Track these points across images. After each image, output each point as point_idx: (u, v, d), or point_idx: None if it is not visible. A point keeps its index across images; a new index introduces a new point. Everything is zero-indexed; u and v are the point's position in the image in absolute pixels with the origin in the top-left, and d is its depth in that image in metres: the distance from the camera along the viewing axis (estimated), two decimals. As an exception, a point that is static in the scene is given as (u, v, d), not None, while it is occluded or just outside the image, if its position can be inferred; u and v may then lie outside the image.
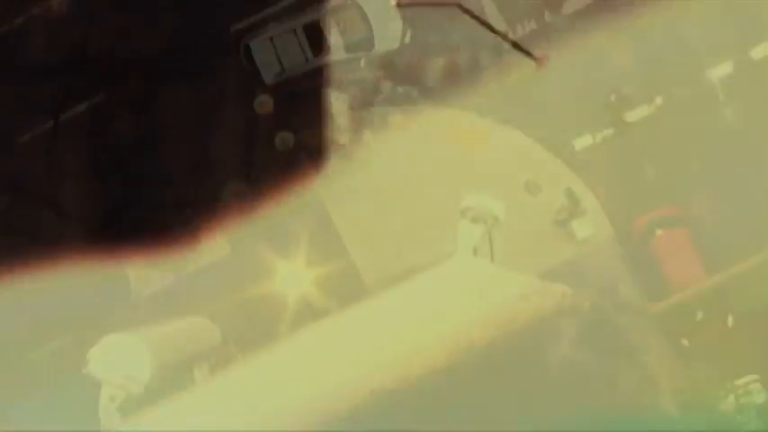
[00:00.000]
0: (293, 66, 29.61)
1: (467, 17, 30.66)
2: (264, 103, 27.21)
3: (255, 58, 29.77)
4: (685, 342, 29.79)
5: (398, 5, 30.51)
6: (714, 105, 30.51)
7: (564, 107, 30.47)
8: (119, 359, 23.10)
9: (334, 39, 29.85)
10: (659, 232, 29.37)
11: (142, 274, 30.58)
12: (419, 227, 30.30)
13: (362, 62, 30.30)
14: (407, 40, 30.45)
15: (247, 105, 27.66)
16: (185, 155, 29.10)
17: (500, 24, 30.86)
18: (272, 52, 29.57)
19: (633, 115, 30.45)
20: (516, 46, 28.38)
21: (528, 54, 28.45)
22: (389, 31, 30.28)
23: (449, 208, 28.47)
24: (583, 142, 30.58)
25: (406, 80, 30.84)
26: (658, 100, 30.54)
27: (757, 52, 30.61)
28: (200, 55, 30.67)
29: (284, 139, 27.56)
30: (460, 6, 24.29)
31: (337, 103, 29.31)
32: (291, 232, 30.17)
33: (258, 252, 30.30)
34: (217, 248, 30.70)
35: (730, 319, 29.70)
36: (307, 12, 30.07)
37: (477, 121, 30.66)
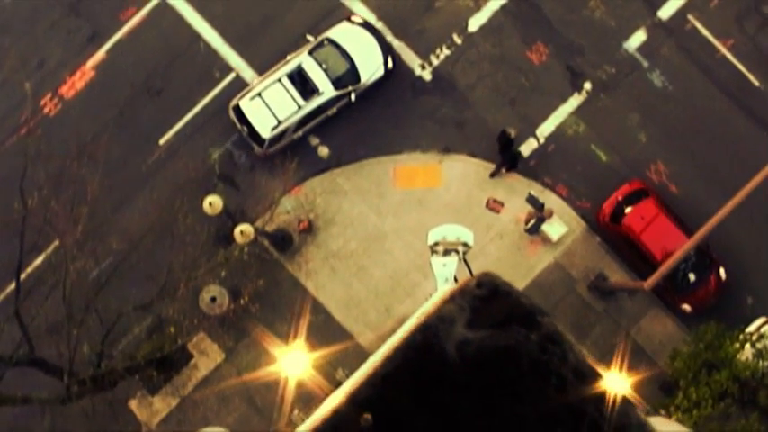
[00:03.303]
0: (287, 115, 29.74)
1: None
2: (214, 204, 27.11)
3: (248, 116, 29.78)
4: (687, 307, 29.76)
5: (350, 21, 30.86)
6: (641, 74, 30.88)
7: (498, 120, 30.74)
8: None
9: (320, 79, 30.00)
10: (628, 209, 29.46)
11: (146, 406, 30.29)
12: (398, 277, 30.26)
13: (353, 96, 30.47)
14: (391, 65, 30.72)
15: (198, 209, 27.58)
16: (152, 276, 28.95)
17: (416, 61, 31.24)
18: (264, 107, 29.69)
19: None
20: None
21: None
22: (372, 60, 30.50)
23: (419, 250, 28.49)
24: (528, 147, 30.76)
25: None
26: (587, 85, 30.87)
27: (665, 12, 31.11)
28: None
29: (243, 231, 27.43)
30: None
31: (284, 178, 29.42)
32: (277, 319, 30.04)
33: (253, 348, 30.15)
34: (211, 358, 30.50)
35: (722, 272, 29.73)
36: (287, 61, 30.25)
37: (424, 158, 30.81)
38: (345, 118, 30.73)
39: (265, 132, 29.80)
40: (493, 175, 30.44)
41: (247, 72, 31.32)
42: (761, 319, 28.58)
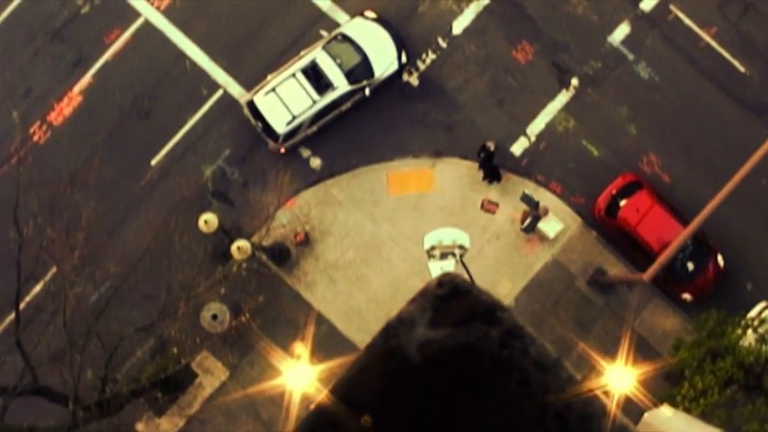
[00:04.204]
0: (302, 110, 29.70)
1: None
2: (209, 221, 27.16)
3: (262, 112, 29.72)
4: (687, 296, 29.76)
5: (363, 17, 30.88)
6: (627, 67, 30.94)
7: (488, 121, 30.79)
8: None
9: (335, 73, 29.97)
10: (623, 202, 29.49)
11: (153, 428, 30.26)
12: (397, 283, 30.25)
13: (367, 91, 30.45)
14: (405, 60, 30.76)
15: (193, 228, 27.62)
16: (152, 298, 28.96)
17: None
18: (278, 102, 29.65)
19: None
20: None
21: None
22: (385, 55, 30.49)
23: (417, 255, 28.48)
24: (520, 145, 30.81)
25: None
26: (574, 81, 30.92)
27: (647, 3, 31.17)
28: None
29: (240, 247, 27.47)
30: None
31: (278, 192, 29.44)
32: (279, 333, 30.03)
33: (257, 364, 30.13)
34: (216, 376, 30.49)
35: (720, 259, 29.74)
36: (300, 56, 30.22)
37: (416, 163, 30.86)
38: (336, 128, 30.75)
39: (280, 127, 29.74)
40: (485, 178, 30.47)
41: (235, 88, 31.36)
42: (761, 304, 28.57)
